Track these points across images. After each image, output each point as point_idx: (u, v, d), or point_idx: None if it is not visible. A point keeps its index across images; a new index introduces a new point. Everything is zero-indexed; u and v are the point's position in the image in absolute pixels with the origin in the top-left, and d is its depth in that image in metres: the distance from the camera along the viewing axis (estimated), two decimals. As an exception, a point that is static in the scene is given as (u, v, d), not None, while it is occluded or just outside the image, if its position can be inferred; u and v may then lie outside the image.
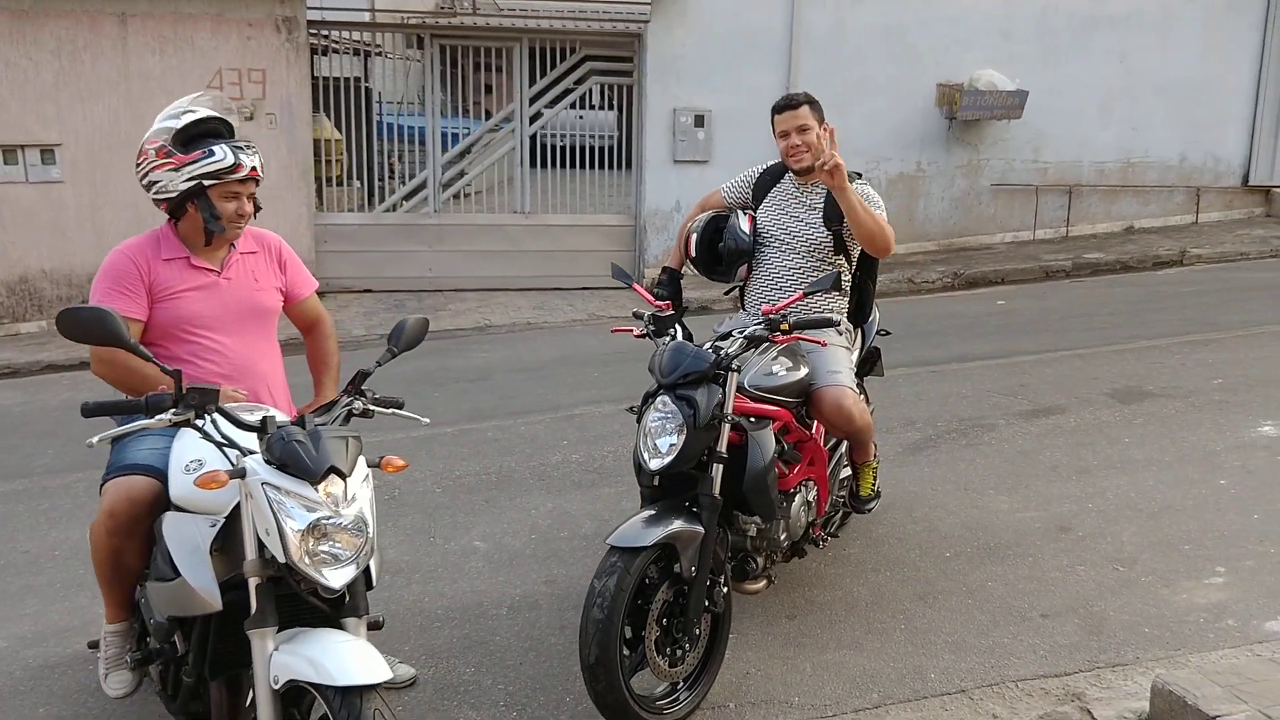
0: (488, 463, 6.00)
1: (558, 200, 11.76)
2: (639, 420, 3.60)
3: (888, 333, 4.84)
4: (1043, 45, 12.28)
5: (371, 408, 3.12)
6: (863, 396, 4.69)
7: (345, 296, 11.32)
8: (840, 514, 4.58)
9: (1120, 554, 4.70)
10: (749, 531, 3.88)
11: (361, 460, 2.85)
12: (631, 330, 3.96)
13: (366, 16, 11.16)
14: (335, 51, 11.66)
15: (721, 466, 3.54)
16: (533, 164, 11.44)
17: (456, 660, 3.99)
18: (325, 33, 11.24)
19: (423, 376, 8.11)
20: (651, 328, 3.86)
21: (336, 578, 2.70)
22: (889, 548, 4.80)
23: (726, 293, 4.66)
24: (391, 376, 8.82)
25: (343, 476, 2.74)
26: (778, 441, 3.82)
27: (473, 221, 11.63)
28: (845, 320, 4.35)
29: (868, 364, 4.90)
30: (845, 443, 4.37)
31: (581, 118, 11.78)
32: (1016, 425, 6.39)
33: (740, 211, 4.37)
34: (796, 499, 4.00)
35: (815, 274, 4.23)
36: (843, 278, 4.30)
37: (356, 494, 2.78)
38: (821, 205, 4.22)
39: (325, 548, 2.70)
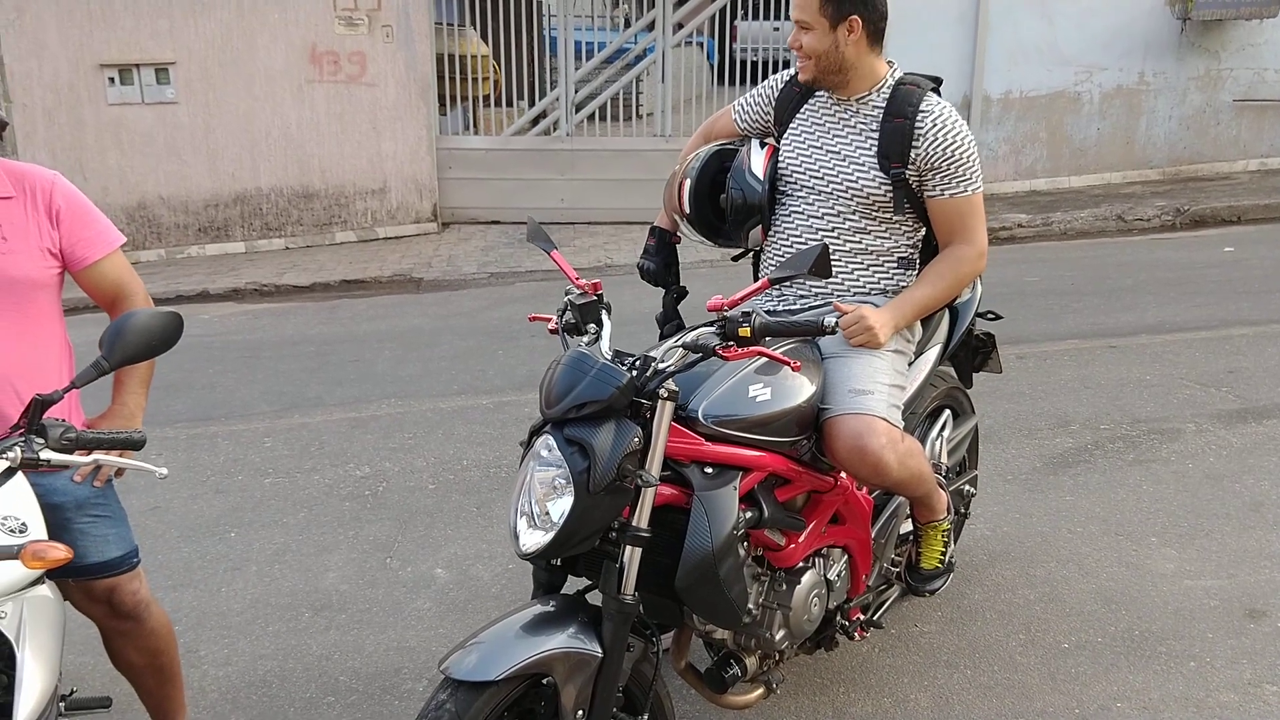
0: (507, 449, 4.85)
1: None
2: (520, 466, 2.34)
3: (995, 316, 3.36)
4: (1312, -78, 9.99)
5: (48, 457, 2.01)
6: (944, 419, 3.25)
7: (469, 228, 10.46)
8: (897, 588, 3.17)
9: (1340, 666, 3.12)
10: (714, 634, 2.59)
11: None
12: (550, 320, 2.65)
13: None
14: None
15: (639, 550, 2.25)
16: (722, 81, 10.39)
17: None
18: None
19: (499, 327, 7.04)
20: (568, 318, 2.55)
21: None
22: (980, 627, 3.36)
23: (735, 258, 3.27)
24: (466, 327, 7.95)
25: None
26: (756, 503, 2.47)
27: (607, 146, 10.47)
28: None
29: (976, 355, 3.47)
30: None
31: (777, 29, 10.38)
32: (1212, 434, 4.69)
33: (756, 143, 2.97)
34: (805, 580, 2.64)
35: (863, 237, 2.81)
36: (908, 239, 2.85)
37: None
38: (876, 131, 2.76)
39: None
